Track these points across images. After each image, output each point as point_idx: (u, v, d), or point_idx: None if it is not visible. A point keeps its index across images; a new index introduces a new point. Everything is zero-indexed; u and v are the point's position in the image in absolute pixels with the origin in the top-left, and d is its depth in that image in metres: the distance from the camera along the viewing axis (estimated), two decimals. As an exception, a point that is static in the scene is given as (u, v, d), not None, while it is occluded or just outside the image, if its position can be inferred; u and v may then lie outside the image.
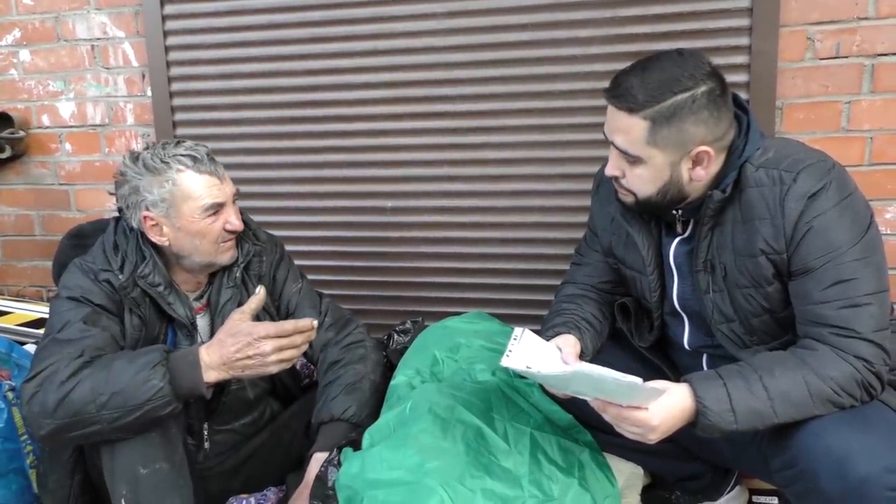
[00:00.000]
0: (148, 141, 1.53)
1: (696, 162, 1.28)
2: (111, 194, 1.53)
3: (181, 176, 1.45)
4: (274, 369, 1.34)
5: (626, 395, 1.18)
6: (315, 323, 1.35)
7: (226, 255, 1.54)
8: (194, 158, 1.46)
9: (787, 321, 1.32)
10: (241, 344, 1.31)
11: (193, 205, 1.46)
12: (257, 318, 1.57)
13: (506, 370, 1.45)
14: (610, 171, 1.35)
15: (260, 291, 1.39)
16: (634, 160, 1.29)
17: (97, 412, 1.27)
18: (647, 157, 1.27)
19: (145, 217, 1.47)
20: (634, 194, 1.34)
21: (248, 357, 1.31)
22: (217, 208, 1.48)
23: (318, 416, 1.55)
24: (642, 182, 1.31)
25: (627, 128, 1.27)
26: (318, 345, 1.66)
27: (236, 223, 1.51)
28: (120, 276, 1.46)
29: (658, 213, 1.40)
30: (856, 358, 1.20)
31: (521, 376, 1.47)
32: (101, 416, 1.27)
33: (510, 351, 1.31)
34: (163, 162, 1.45)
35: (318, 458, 1.47)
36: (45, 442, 1.40)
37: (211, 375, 1.32)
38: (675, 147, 1.26)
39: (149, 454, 1.32)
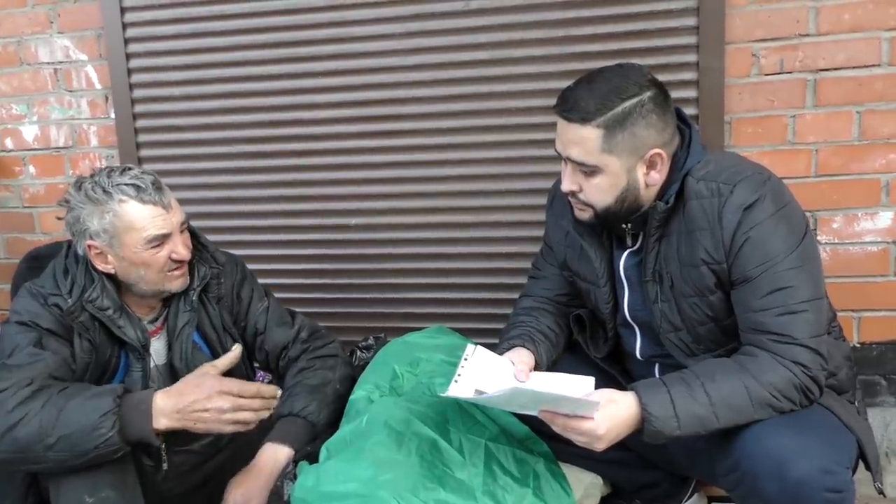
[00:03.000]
0: (95, 168, 1.52)
1: (651, 165, 1.32)
2: (59, 219, 1.51)
3: (123, 206, 1.42)
4: (228, 429, 1.34)
5: (568, 407, 1.21)
6: (279, 392, 1.34)
7: (175, 283, 1.51)
8: (138, 188, 1.43)
9: (731, 329, 1.35)
10: (201, 395, 1.29)
11: (136, 236, 1.43)
12: (213, 349, 1.60)
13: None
14: (566, 186, 1.37)
15: (235, 350, 1.38)
16: (591, 170, 1.32)
17: (44, 453, 1.27)
18: (604, 165, 1.30)
19: (89, 246, 1.45)
20: (592, 207, 1.36)
21: (205, 410, 1.29)
22: (161, 239, 1.45)
23: (278, 411, 1.54)
24: (600, 192, 1.33)
25: (581, 139, 1.30)
26: (293, 356, 1.67)
27: (182, 253, 1.48)
28: (69, 300, 1.44)
29: (611, 226, 1.43)
30: (793, 363, 1.23)
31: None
32: (48, 457, 1.27)
33: (460, 373, 1.35)
34: (105, 192, 1.42)
35: (269, 447, 1.48)
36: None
37: (161, 423, 1.30)
38: (630, 152, 1.29)
39: (95, 483, 1.31)
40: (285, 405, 1.54)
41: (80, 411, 1.27)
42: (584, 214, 1.39)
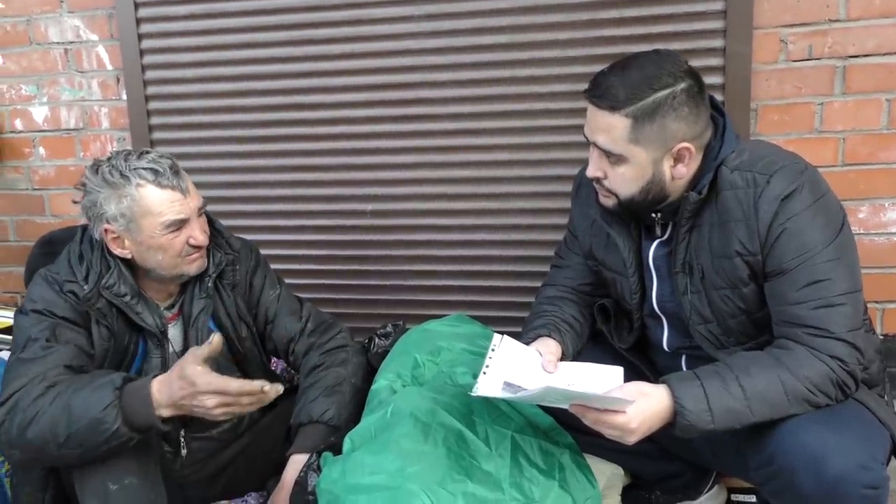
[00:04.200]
0: (112, 151, 1.48)
1: (678, 159, 1.29)
2: (75, 203, 1.49)
3: (141, 191, 1.40)
4: (221, 419, 1.31)
5: (600, 403, 1.20)
6: (267, 387, 1.25)
7: (193, 266, 1.50)
8: (156, 172, 1.41)
9: (763, 322, 1.33)
10: (187, 392, 1.26)
11: (154, 221, 1.41)
12: (228, 337, 1.58)
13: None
14: (591, 172, 1.35)
15: (213, 340, 1.28)
16: (617, 159, 1.29)
17: (57, 451, 1.26)
18: (630, 155, 1.28)
19: (106, 230, 1.43)
20: (616, 195, 1.34)
21: (193, 405, 1.27)
22: (179, 224, 1.44)
23: (297, 419, 1.54)
24: (625, 181, 1.31)
25: (609, 126, 1.27)
26: (301, 351, 1.65)
27: (200, 238, 1.46)
28: (84, 287, 1.43)
29: (638, 215, 1.40)
30: (830, 357, 1.21)
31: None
32: (63, 454, 1.27)
33: (488, 364, 1.33)
34: (122, 176, 1.40)
35: (295, 460, 1.46)
36: (20, 467, 1.40)
37: (164, 412, 1.28)
38: (657, 144, 1.27)
39: (119, 470, 1.30)
40: (304, 412, 1.53)
41: (84, 406, 1.26)
42: (609, 201, 1.37)
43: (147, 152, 1.46)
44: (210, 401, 1.24)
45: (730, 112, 1.85)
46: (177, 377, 1.26)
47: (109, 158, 1.45)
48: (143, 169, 1.41)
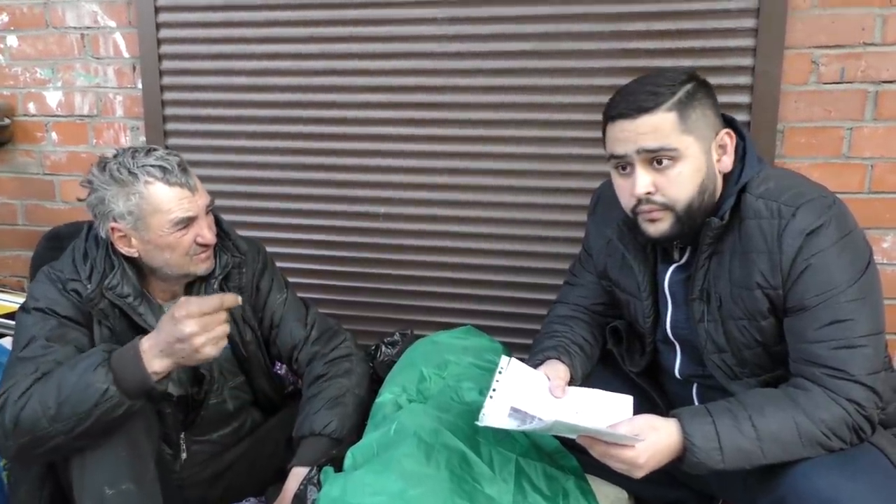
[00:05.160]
0: (119, 148, 1.46)
1: (721, 148, 1.27)
2: (80, 201, 1.48)
3: (149, 188, 1.39)
4: (209, 351, 1.23)
5: (608, 438, 1.17)
6: (240, 299, 1.26)
7: (201, 266, 1.48)
8: (164, 169, 1.40)
9: (780, 356, 1.30)
10: (168, 328, 1.22)
11: (162, 219, 1.40)
12: (232, 340, 1.55)
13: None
14: (642, 188, 1.24)
15: (229, 297, 1.27)
16: (671, 160, 1.22)
17: (50, 426, 1.23)
18: (684, 147, 1.22)
19: (113, 228, 1.42)
20: (673, 206, 1.25)
21: (179, 340, 1.22)
22: (187, 222, 1.42)
23: (299, 430, 1.52)
24: (682, 182, 1.23)
25: (655, 126, 1.22)
26: (304, 359, 1.63)
27: (208, 236, 1.45)
28: (88, 287, 1.41)
29: (690, 232, 1.30)
30: (848, 401, 1.18)
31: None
32: (56, 429, 1.23)
33: (495, 388, 1.30)
34: (130, 173, 1.39)
35: (296, 474, 1.44)
36: (17, 462, 1.38)
37: (155, 365, 1.23)
38: (705, 131, 1.24)
39: (116, 474, 1.28)
40: (306, 424, 1.51)
41: (73, 374, 1.24)
42: (663, 224, 1.27)
43: (154, 149, 1.44)
44: (188, 327, 1.20)
45: (755, 133, 1.83)
46: (166, 319, 1.24)
47: (116, 156, 1.44)
48: (152, 166, 1.40)
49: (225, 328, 1.25)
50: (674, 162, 1.23)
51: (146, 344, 1.24)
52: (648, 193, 1.25)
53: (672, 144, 1.22)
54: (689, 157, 1.23)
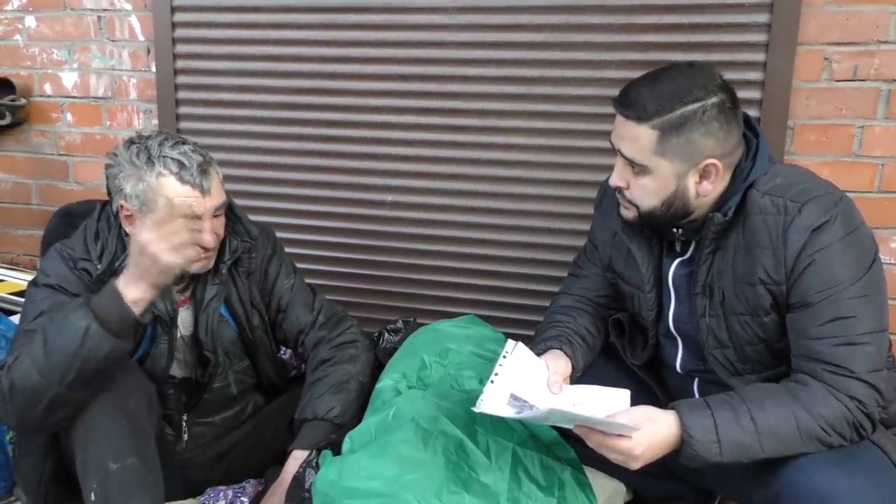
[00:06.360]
0: (154, 130, 1.47)
1: (704, 175, 1.26)
2: (108, 167, 1.49)
3: (161, 180, 1.39)
4: (170, 258, 1.23)
5: (605, 427, 1.17)
6: (194, 204, 1.30)
7: (194, 266, 1.46)
8: (181, 165, 1.39)
9: (781, 352, 1.30)
10: (133, 249, 1.24)
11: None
12: (239, 323, 1.57)
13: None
14: (614, 181, 1.32)
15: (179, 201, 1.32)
16: (640, 170, 1.26)
17: (42, 377, 1.23)
18: (654, 166, 1.25)
19: (122, 206, 1.43)
20: (637, 207, 1.31)
21: (140, 254, 1.23)
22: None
23: (302, 414, 1.54)
24: (646, 193, 1.28)
25: (635, 136, 1.24)
26: (310, 343, 1.64)
27: (206, 239, 1.42)
28: (98, 266, 1.43)
29: (660, 230, 1.37)
30: (849, 398, 1.18)
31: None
32: (47, 381, 1.23)
33: (497, 371, 1.31)
34: (149, 160, 1.39)
35: (296, 456, 1.46)
36: (21, 432, 1.40)
37: (130, 293, 1.24)
38: (683, 158, 1.23)
39: (121, 449, 1.29)
40: (309, 408, 1.52)
41: (55, 322, 1.26)
42: (629, 213, 1.34)
43: (184, 142, 1.44)
44: (142, 236, 1.22)
45: (765, 129, 1.82)
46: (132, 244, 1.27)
47: (147, 137, 1.44)
48: (171, 159, 1.39)
49: (182, 235, 1.25)
50: (642, 173, 1.27)
51: (120, 278, 1.27)
52: (619, 188, 1.31)
53: (641, 161, 1.25)
54: (657, 176, 1.26)
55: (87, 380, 1.26)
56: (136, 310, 1.26)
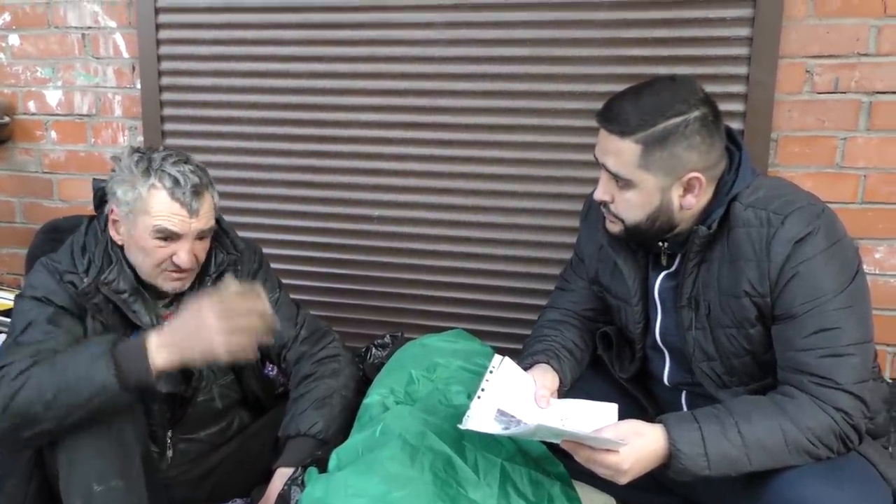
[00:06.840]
0: (164, 145, 1.48)
1: (688, 189, 1.26)
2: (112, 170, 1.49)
3: (151, 192, 1.39)
4: (221, 349, 1.23)
5: (593, 443, 1.17)
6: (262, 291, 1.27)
7: (169, 284, 1.46)
8: (176, 182, 1.39)
9: (768, 364, 1.30)
10: (188, 316, 1.23)
11: (148, 222, 1.40)
12: None
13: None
14: (599, 195, 1.32)
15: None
16: (625, 184, 1.27)
17: (44, 411, 1.22)
18: (638, 181, 1.25)
19: (112, 210, 1.44)
20: (622, 221, 1.31)
21: (198, 332, 1.23)
22: (169, 236, 1.41)
23: (285, 430, 1.52)
24: (631, 207, 1.29)
25: (619, 151, 1.25)
26: (292, 358, 1.63)
27: (183, 259, 1.41)
28: (84, 280, 1.42)
29: (645, 244, 1.37)
30: (835, 409, 1.18)
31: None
32: (49, 416, 1.23)
33: (483, 387, 1.30)
34: (146, 171, 1.40)
35: (281, 474, 1.44)
36: (6, 447, 1.37)
37: (159, 359, 1.24)
38: (667, 172, 1.24)
39: (105, 471, 1.27)
40: (292, 424, 1.51)
41: (75, 361, 1.24)
42: (615, 227, 1.34)
43: (187, 161, 1.44)
44: (209, 316, 1.22)
45: (749, 141, 1.83)
46: (184, 311, 1.27)
47: (154, 150, 1.45)
48: (168, 174, 1.40)
49: (241, 322, 1.25)
50: (627, 187, 1.27)
51: (155, 338, 1.26)
52: (604, 202, 1.32)
53: (626, 175, 1.26)
54: (641, 190, 1.26)
55: (84, 423, 1.26)
56: (156, 376, 1.25)
